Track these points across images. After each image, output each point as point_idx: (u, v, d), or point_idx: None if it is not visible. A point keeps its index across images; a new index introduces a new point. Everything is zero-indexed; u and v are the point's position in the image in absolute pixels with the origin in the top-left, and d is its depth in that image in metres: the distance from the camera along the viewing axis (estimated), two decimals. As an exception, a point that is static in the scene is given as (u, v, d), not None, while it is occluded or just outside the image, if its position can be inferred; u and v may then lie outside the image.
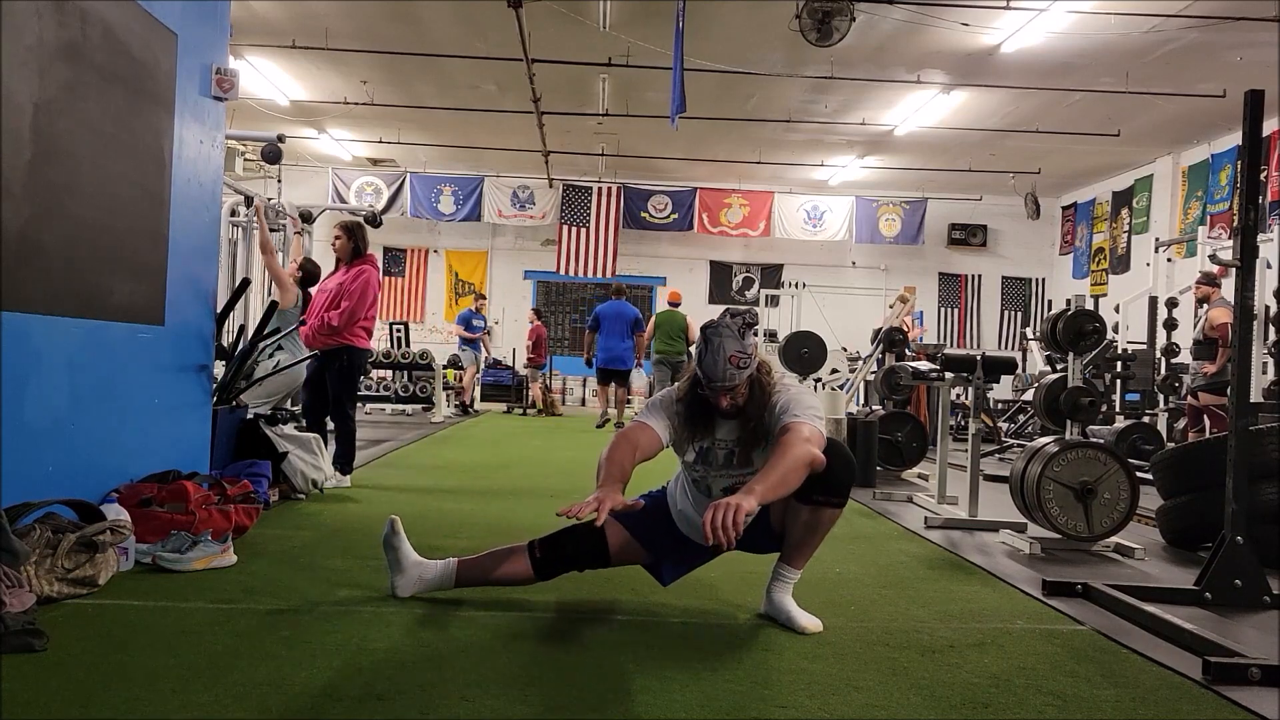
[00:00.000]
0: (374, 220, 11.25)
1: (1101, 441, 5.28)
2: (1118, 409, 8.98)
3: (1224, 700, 2.30)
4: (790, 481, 2.50)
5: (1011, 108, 11.35)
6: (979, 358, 4.97)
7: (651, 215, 16.27)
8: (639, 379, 14.07)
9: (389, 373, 12.82)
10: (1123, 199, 14.62)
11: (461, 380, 13.56)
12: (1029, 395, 9.97)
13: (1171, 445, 6.97)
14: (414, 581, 2.90)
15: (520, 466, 7.10)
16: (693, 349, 10.23)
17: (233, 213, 8.49)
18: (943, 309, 17.07)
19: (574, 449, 8.58)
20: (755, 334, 2.72)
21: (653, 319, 11.79)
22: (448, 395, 13.01)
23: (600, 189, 16.04)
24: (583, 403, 16.69)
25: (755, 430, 2.71)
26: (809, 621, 2.75)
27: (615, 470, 2.58)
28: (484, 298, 14.68)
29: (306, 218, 9.13)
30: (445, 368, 13.21)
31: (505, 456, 7.84)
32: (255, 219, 7.39)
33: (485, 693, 2.15)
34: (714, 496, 2.74)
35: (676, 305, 11.81)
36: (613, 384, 11.08)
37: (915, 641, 2.70)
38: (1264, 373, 7.22)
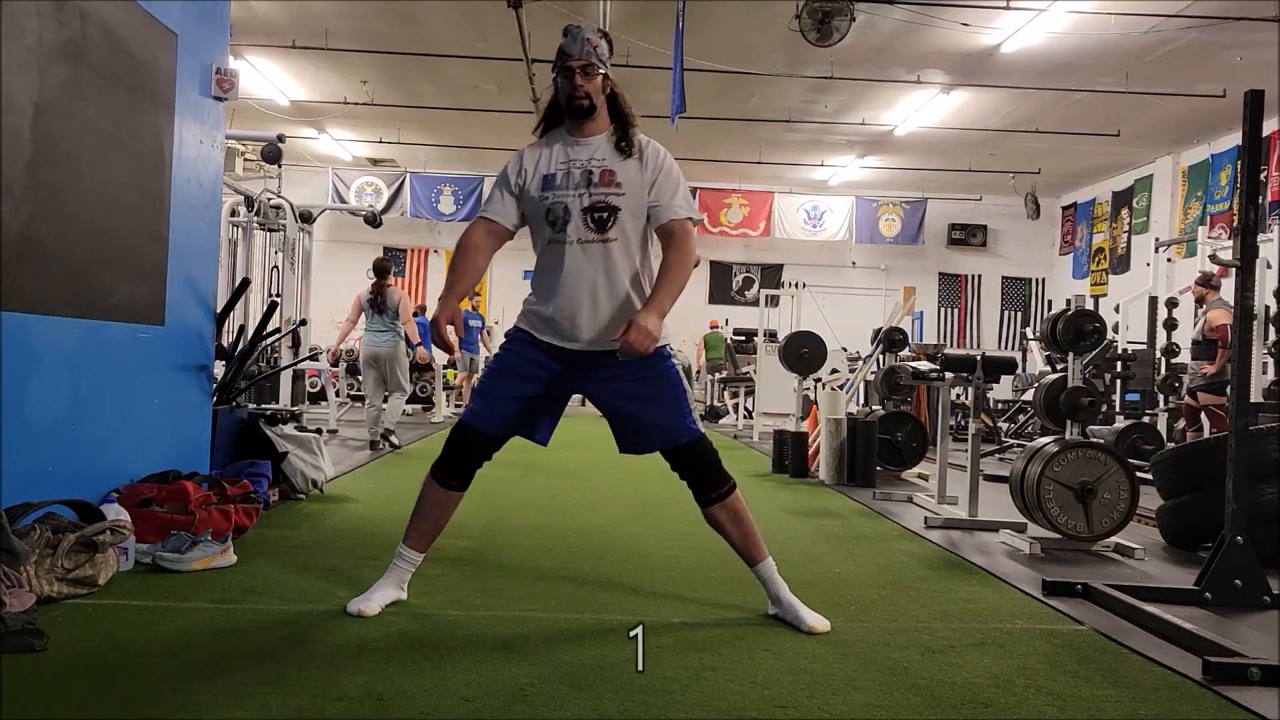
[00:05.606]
0: (374, 220, 11.25)
1: (1101, 441, 5.27)
2: (1118, 409, 8.98)
3: (1224, 700, 2.30)
4: (681, 282, 2.72)
5: (1011, 108, 11.36)
6: (979, 358, 4.97)
7: (651, 215, 16.29)
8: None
9: (389, 373, 12.76)
10: (1123, 199, 14.63)
11: (459, 380, 13.54)
12: (1029, 395, 9.98)
13: (1171, 445, 6.97)
14: (391, 593, 2.88)
15: (518, 467, 7.09)
16: (731, 355, 14.41)
17: (233, 213, 8.48)
18: (943, 309, 17.07)
19: (573, 449, 8.58)
20: (611, 51, 2.92)
21: (702, 340, 15.28)
22: (448, 395, 12.98)
23: (600, 189, 16.05)
24: (582, 403, 16.68)
25: (621, 148, 2.81)
26: (816, 621, 2.76)
27: (457, 284, 2.86)
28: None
29: (306, 218, 9.11)
30: (446, 368, 13.19)
31: (503, 456, 7.81)
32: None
33: (485, 692, 2.15)
34: (573, 228, 2.76)
35: (716, 329, 15.26)
36: None
37: (915, 641, 2.70)
38: (1264, 373, 7.22)
